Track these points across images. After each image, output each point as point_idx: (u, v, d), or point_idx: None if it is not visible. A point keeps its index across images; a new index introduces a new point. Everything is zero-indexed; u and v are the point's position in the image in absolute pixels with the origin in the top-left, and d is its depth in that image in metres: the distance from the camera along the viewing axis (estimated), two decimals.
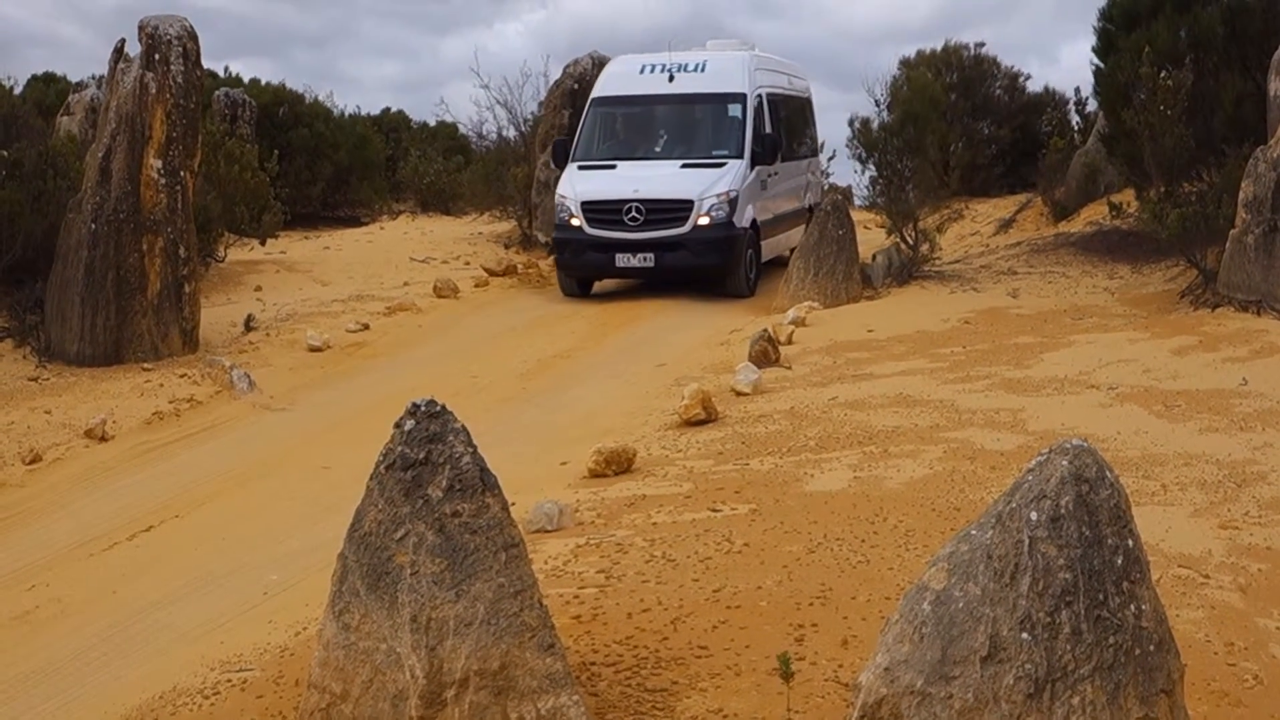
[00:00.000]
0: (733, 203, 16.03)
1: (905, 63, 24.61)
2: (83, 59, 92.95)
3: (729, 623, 5.00)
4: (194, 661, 5.83)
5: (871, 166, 17.05)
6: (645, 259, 15.93)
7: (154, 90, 12.97)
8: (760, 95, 17.53)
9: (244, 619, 6.51)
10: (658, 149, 17.44)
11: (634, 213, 15.90)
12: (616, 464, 7.82)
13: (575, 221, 16.15)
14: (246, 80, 28.35)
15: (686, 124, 17.62)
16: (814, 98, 21.79)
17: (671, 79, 17.45)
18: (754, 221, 16.58)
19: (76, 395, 11.69)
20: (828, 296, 14.93)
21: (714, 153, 16.88)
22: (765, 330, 11.48)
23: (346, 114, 30.75)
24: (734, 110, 17.20)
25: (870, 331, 12.57)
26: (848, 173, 52.97)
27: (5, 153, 15.19)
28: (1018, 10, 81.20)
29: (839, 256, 15.39)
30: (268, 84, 28.18)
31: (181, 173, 13.29)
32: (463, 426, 4.34)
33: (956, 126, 23.57)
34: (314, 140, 26.64)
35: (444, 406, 4.33)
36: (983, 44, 26.80)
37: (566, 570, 5.89)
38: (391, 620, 4.22)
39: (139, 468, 10.08)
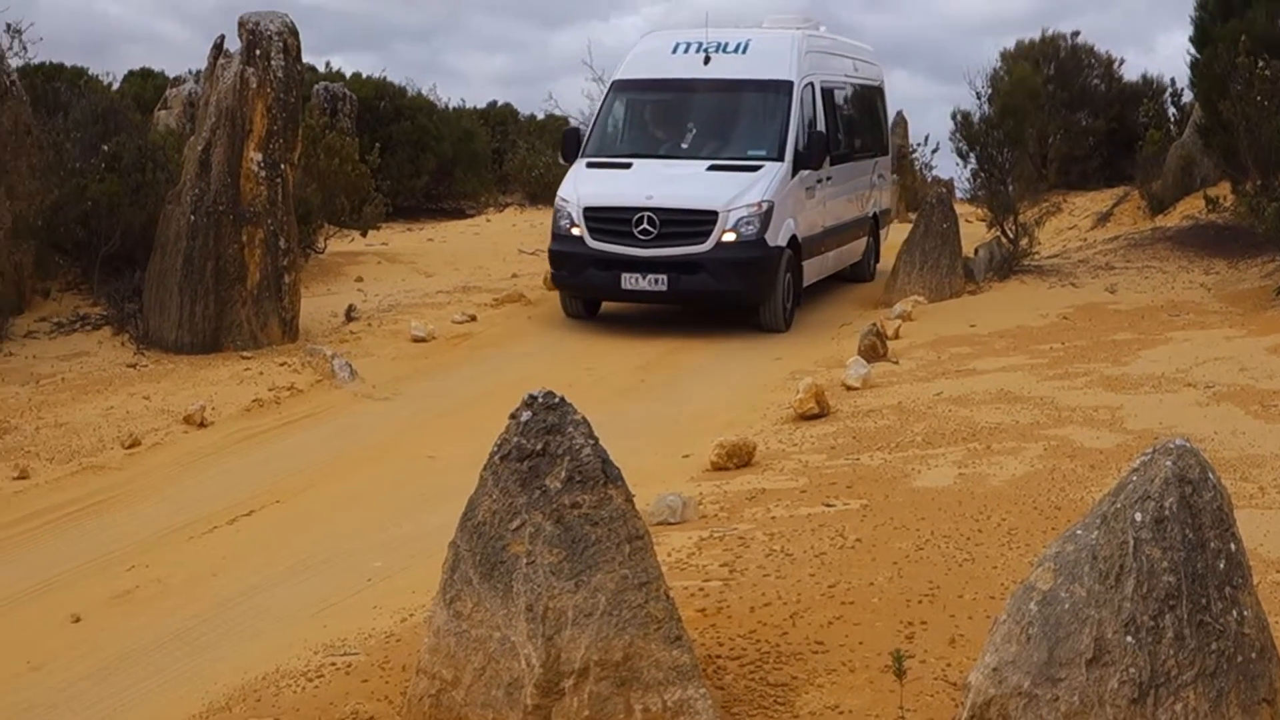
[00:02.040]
0: (766, 215, 13.77)
1: (1005, 54, 25.45)
2: (180, 55, 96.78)
3: (843, 618, 5.26)
4: (296, 644, 6.12)
5: (973, 160, 17.82)
6: (656, 281, 13.65)
7: (254, 85, 13.69)
8: (811, 83, 15.49)
9: (347, 604, 6.78)
10: (684, 145, 15.24)
11: (645, 224, 13.66)
12: (737, 457, 8.35)
13: (576, 231, 13.98)
14: (348, 75, 29.30)
15: (720, 116, 15.39)
16: (887, 86, 20.11)
17: (707, 60, 15.32)
18: (794, 238, 14.36)
19: (175, 382, 12.13)
20: (932, 291, 15.73)
21: (749, 152, 14.72)
22: (874, 325, 12.43)
23: (451, 107, 31.72)
24: (777, 101, 14.97)
25: (972, 326, 13.35)
26: (950, 165, 53.89)
27: (105, 146, 16.20)
28: (1115, 0, 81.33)
29: (943, 250, 16.18)
30: (369, 78, 29.10)
31: (281, 165, 13.94)
32: (583, 418, 4.54)
33: (1054, 118, 24.48)
34: (417, 133, 27.53)
35: (562, 398, 4.54)
36: (1078, 33, 27.37)
37: (691, 563, 6.16)
38: (506, 609, 4.44)
39: (238, 453, 10.41)
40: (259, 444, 10.67)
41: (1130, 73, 27.96)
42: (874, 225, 18.41)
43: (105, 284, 14.82)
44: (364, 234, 20.27)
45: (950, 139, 18.01)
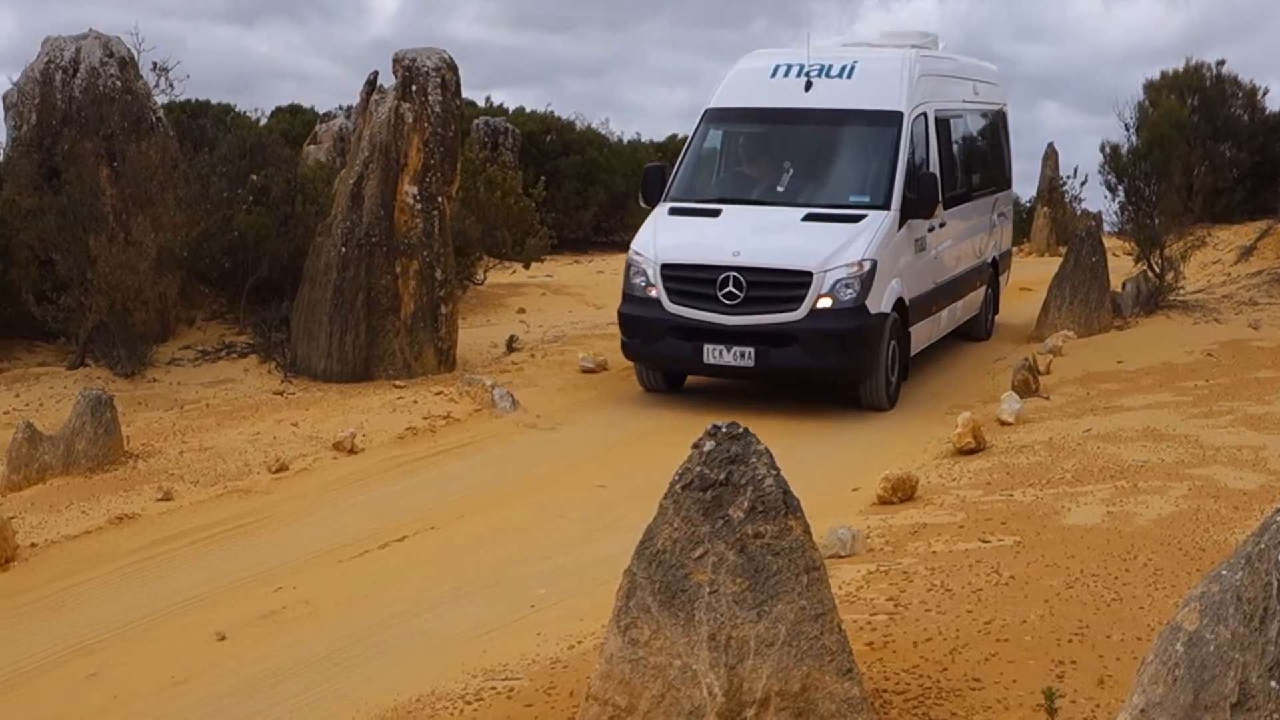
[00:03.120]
0: (868, 277, 12.30)
1: (1149, 85, 25.88)
2: (327, 91, 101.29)
3: (998, 656, 5.61)
4: (454, 668, 6.33)
5: (1120, 192, 18.23)
6: (743, 355, 12.23)
7: (410, 120, 14.34)
8: (925, 113, 14.00)
9: (508, 630, 7.00)
10: (780, 188, 13.64)
11: (731, 286, 12.27)
12: (901, 491, 9.04)
13: (653, 292, 12.61)
14: (510, 109, 30.28)
15: (820, 152, 13.91)
16: (1011, 110, 18.79)
17: (809, 86, 13.82)
18: (900, 301, 12.88)
19: (324, 409, 12.45)
20: (1081, 325, 16.29)
21: (850, 198, 13.20)
22: (1027, 360, 13.20)
23: (625, 140, 32.74)
24: (884, 135, 13.46)
25: (1120, 363, 13.93)
26: (1098, 199, 54.18)
27: (253, 177, 17.02)
28: (1262, 27, 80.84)
29: (1092, 284, 16.57)
30: (533, 112, 30.17)
31: (438, 198, 14.51)
32: (766, 449, 4.82)
33: (1198, 150, 24.61)
34: (585, 166, 28.65)
35: (746, 429, 4.83)
36: (1223, 62, 27.25)
37: (859, 596, 6.55)
38: (687, 637, 4.67)
39: (391, 480, 10.61)
40: (412, 471, 10.86)
41: (1274, 103, 27.71)
42: (993, 274, 17.00)
43: (251, 313, 15.45)
44: (526, 266, 20.89)
45: (1099, 171, 18.54)
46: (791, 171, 13.76)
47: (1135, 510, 8.21)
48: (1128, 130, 18.89)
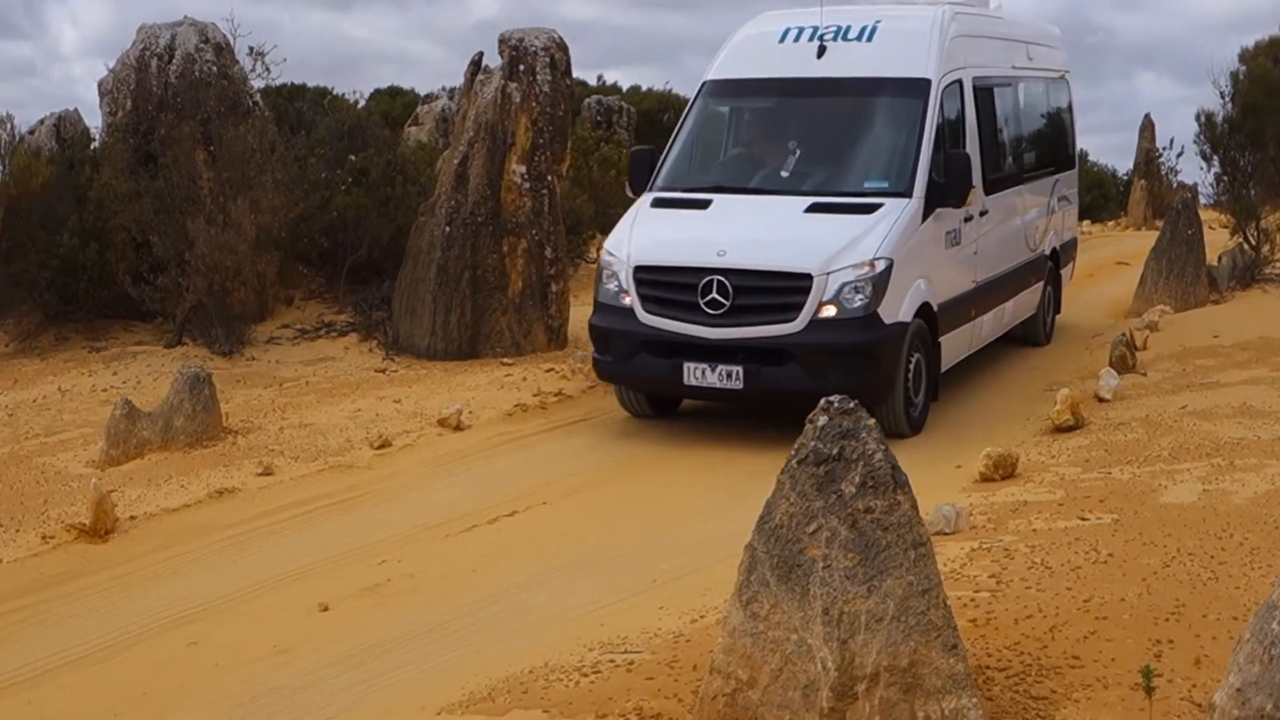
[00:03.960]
0: (881, 279, 10.67)
1: (1243, 53, 25.32)
2: (429, 74, 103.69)
3: (1097, 634, 5.78)
4: (569, 641, 6.46)
5: (1215, 163, 18.11)
6: (729, 375, 10.64)
7: (518, 99, 14.77)
8: (959, 81, 12.35)
9: (628, 604, 7.18)
10: (784, 173, 11.97)
11: (715, 292, 10.64)
12: (1003, 469, 9.24)
13: (626, 300, 11.07)
14: (625, 88, 30.41)
15: (832, 130, 12.28)
16: (1071, 85, 16.78)
17: (822, 52, 12.18)
18: (925, 307, 11.27)
19: (428, 387, 12.68)
20: (1177, 299, 16.29)
21: (865, 184, 11.64)
22: (1124, 335, 13.08)
23: None
24: (907, 108, 11.86)
25: (1215, 337, 13.79)
26: (1194, 170, 53.29)
27: (352, 158, 17.55)
28: None
29: (1188, 258, 16.52)
30: (649, 90, 30.25)
31: (548, 177, 14.89)
32: (874, 423, 5.02)
33: None
34: None
35: (856, 404, 5.04)
36: None
37: (962, 573, 6.75)
38: (803, 612, 4.87)
39: (498, 456, 10.73)
40: (522, 447, 10.97)
41: None
42: (1052, 268, 15.27)
43: (351, 293, 15.93)
44: None
45: (1194, 142, 18.43)
46: (798, 154, 12.04)
47: (1231, 488, 8.28)
48: (1223, 99, 18.76)
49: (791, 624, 4.89)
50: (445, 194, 14.84)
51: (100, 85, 17.68)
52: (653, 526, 8.80)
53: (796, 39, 12.39)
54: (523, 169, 14.70)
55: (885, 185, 11.46)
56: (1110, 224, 32.48)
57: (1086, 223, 32.71)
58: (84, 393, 13.17)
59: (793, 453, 5.00)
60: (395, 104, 29.01)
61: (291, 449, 10.83)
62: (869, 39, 12.19)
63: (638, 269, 11.03)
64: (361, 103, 26.99)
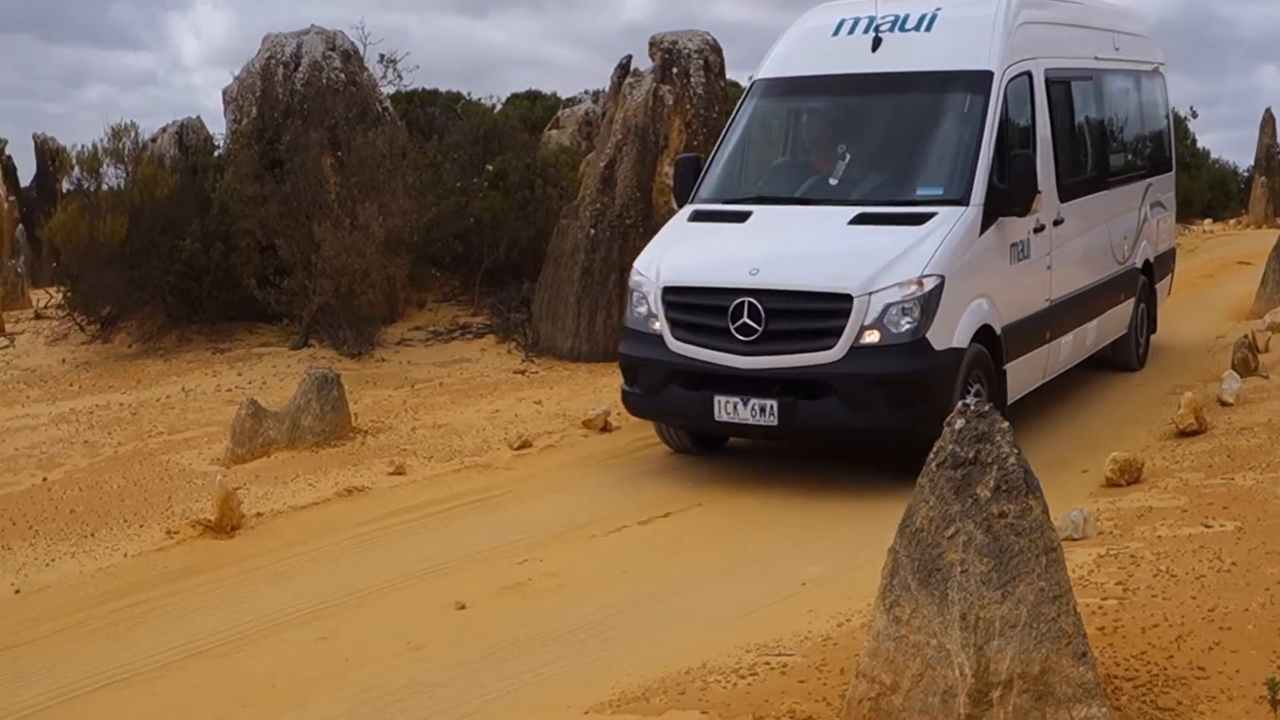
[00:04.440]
0: (931, 299, 9.86)
1: None
2: (568, 77, 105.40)
3: (1221, 644, 5.90)
4: (725, 642, 6.62)
5: None
6: (762, 410, 9.90)
7: (670, 102, 15.19)
8: (1029, 74, 11.58)
9: (780, 607, 7.34)
10: (832, 180, 11.29)
11: (746, 316, 9.93)
12: (1128, 474, 9.44)
13: (655, 325, 10.38)
14: None
15: (885, 131, 11.70)
16: (1166, 79, 15.80)
17: (877, 45, 11.51)
18: (985, 330, 10.41)
19: (570, 388, 12.82)
20: None
21: (918, 191, 10.90)
22: (1246, 337, 13.03)
23: None
24: (966, 105, 11.13)
25: None
26: None
27: (488, 165, 18.03)
28: None
29: None
30: None
31: None
32: (1008, 426, 5.24)
33: None
34: None
35: (991, 406, 5.29)
36: None
37: (1090, 580, 6.94)
38: (942, 616, 5.09)
39: (649, 459, 10.81)
40: (674, 451, 10.99)
41: None
42: (1145, 282, 14.30)
43: (487, 295, 16.30)
44: None
45: None
46: (848, 159, 11.37)
47: None
48: None
49: (931, 629, 5.09)
50: (590, 197, 15.17)
51: (224, 93, 18.59)
52: (802, 529, 8.93)
53: (851, 31, 11.69)
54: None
55: (939, 192, 10.65)
56: (1231, 222, 32.34)
57: (1208, 221, 32.47)
58: (208, 392, 13.48)
59: (932, 455, 5.23)
60: (535, 108, 29.47)
61: (425, 449, 10.94)
62: (927, 28, 11.46)
63: (666, 290, 10.32)
64: (498, 107, 27.41)
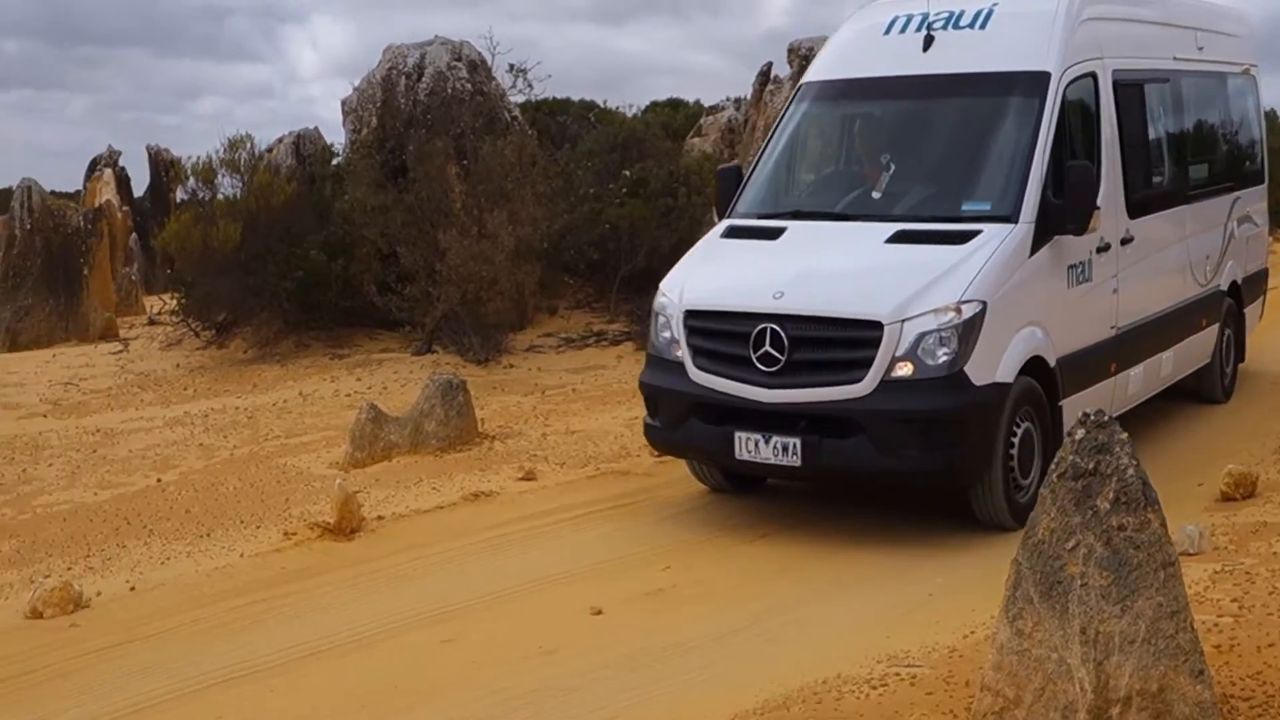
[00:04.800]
0: (970, 328, 9.18)
1: None
2: (709, 85, 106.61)
3: None
4: (858, 652, 6.80)
5: None
6: (784, 449, 9.25)
7: None
8: (1094, 74, 10.88)
9: (908, 618, 7.49)
10: (875, 194, 10.68)
11: (768, 344, 9.30)
12: (1243, 488, 9.45)
13: (678, 352, 9.84)
14: None
15: (933, 139, 11.11)
16: (1259, 81, 14.94)
17: (929, 44, 10.93)
18: (1037, 363, 9.72)
19: None
20: None
21: (964, 207, 10.22)
22: None
23: None
24: (1020, 110, 10.51)
25: None
26: None
27: (626, 172, 18.29)
28: None
29: None
30: None
31: None
32: (1128, 437, 5.25)
33: None
34: None
35: (1111, 417, 5.30)
36: None
37: (1206, 596, 6.93)
38: (1063, 630, 5.17)
39: None
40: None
41: None
42: (1231, 305, 13.51)
43: (625, 302, 16.49)
44: None
45: None
46: (892, 170, 10.68)
47: None
48: None
49: (1053, 642, 5.17)
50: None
51: (344, 104, 19.22)
52: (926, 541, 9.00)
53: (903, 30, 11.06)
54: None
55: (986, 208, 9.96)
56: None
57: None
58: (325, 397, 13.66)
59: (1053, 466, 5.31)
60: (676, 115, 29.79)
61: (557, 455, 10.99)
62: (982, 25, 10.82)
63: (688, 314, 9.75)
64: (637, 115, 27.66)
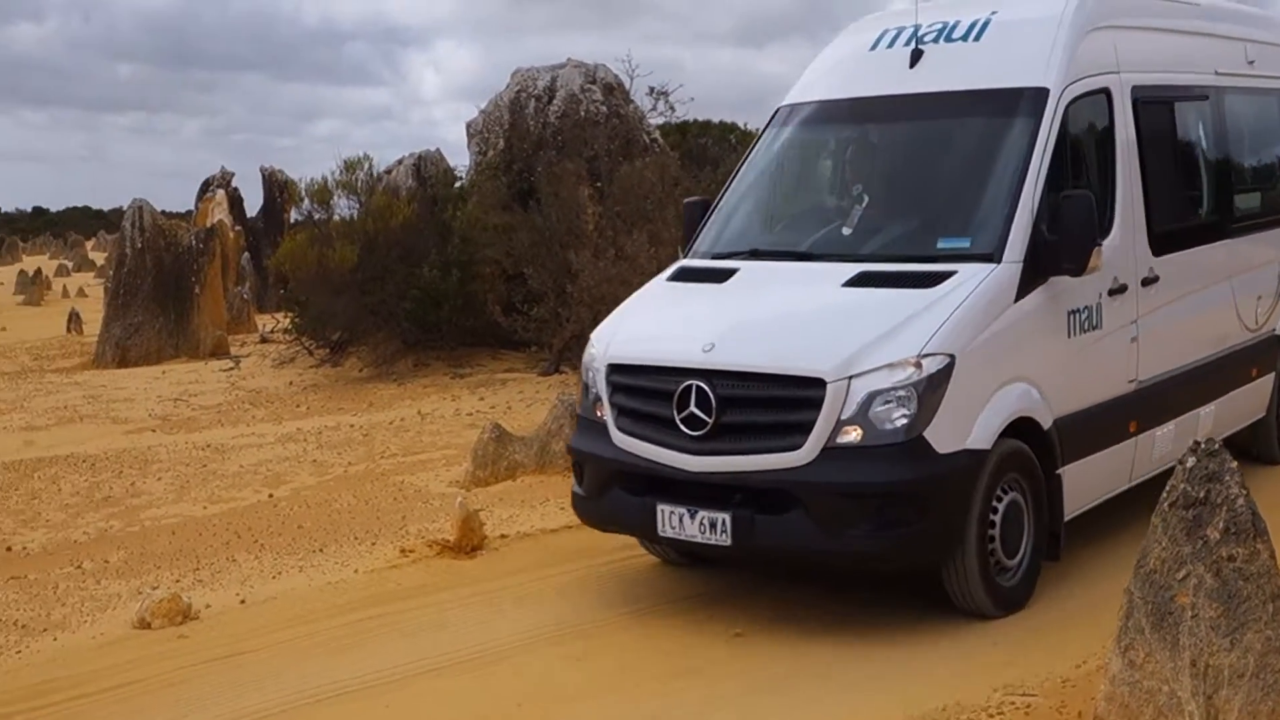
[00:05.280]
0: (932, 386, 8.03)
1: None
2: None
3: None
4: (975, 680, 7.00)
5: None
6: (713, 525, 8.13)
7: None
8: (1105, 91, 9.80)
9: (1023, 647, 7.55)
10: (846, 230, 9.64)
11: (694, 404, 8.26)
12: None
13: (600, 413, 8.90)
14: None
15: (913, 166, 10.21)
16: None
17: (916, 59, 10.01)
18: (1026, 425, 8.54)
19: None
20: None
21: (940, 243, 9.14)
22: None
23: None
24: (1010, 133, 9.43)
25: None
26: None
27: None
28: None
29: None
30: None
31: None
32: (1237, 466, 5.41)
33: None
34: None
35: (1221, 445, 5.44)
36: None
37: None
38: (1173, 662, 5.30)
39: None
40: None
41: None
42: None
43: None
44: None
45: None
46: (866, 201, 9.75)
47: None
48: None
49: (1163, 674, 5.30)
50: None
51: (469, 126, 19.87)
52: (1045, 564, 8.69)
53: (891, 44, 10.17)
54: None
55: (965, 245, 8.90)
56: None
57: None
58: (445, 416, 13.80)
59: (1164, 495, 5.45)
60: None
61: None
62: (977, 37, 9.88)
63: (611, 369, 8.83)
64: None
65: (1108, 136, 9.74)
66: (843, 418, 7.91)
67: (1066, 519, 8.77)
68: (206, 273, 23.58)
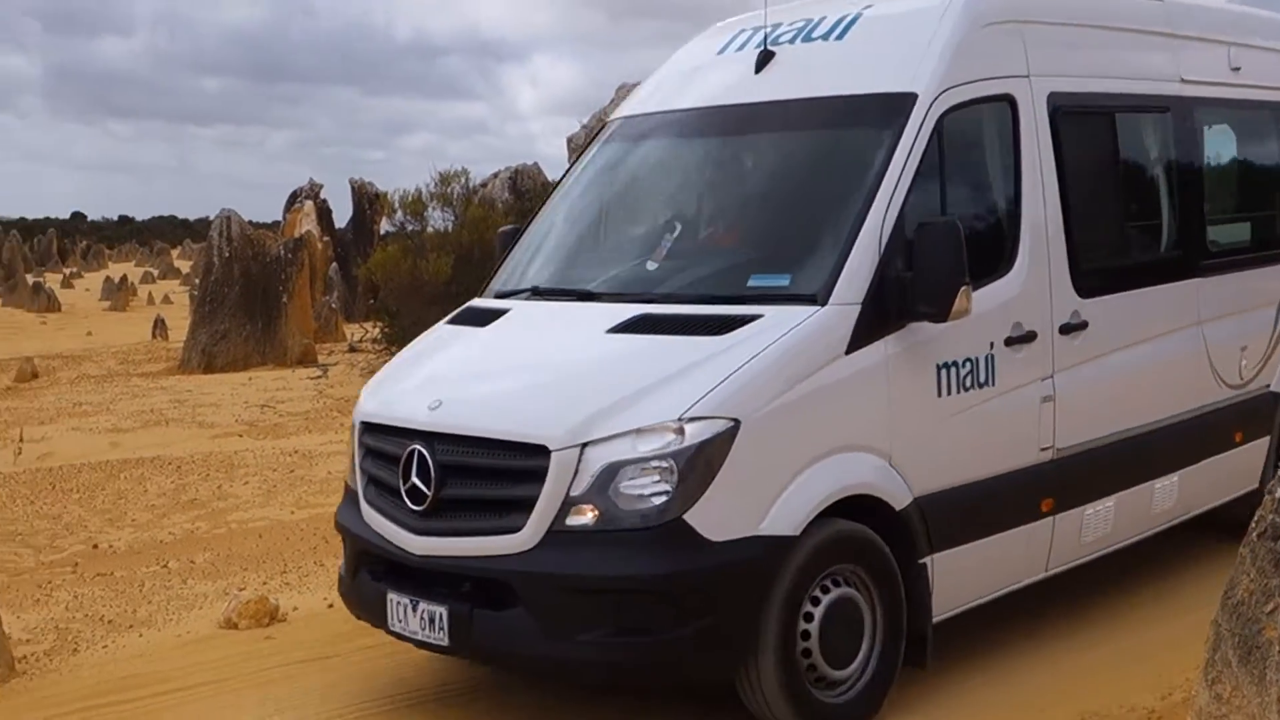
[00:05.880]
0: (701, 456, 6.47)
1: None
2: None
3: None
4: (1060, 708, 7.00)
5: None
6: (431, 619, 6.82)
7: None
8: (1007, 100, 8.17)
9: (1109, 673, 7.50)
10: (651, 264, 8.19)
11: (415, 474, 6.98)
12: None
13: (353, 479, 7.78)
14: None
15: (739, 190, 8.80)
16: None
17: (764, 62, 8.54)
18: (864, 502, 6.98)
19: None
20: None
21: (750, 281, 7.54)
22: None
23: None
24: (861, 147, 7.90)
25: None
26: None
27: None
28: None
29: None
30: None
31: None
32: None
33: None
34: None
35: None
36: None
37: None
38: (1260, 698, 5.05)
39: None
40: None
41: None
42: None
43: None
44: None
45: None
46: (677, 230, 8.39)
47: None
48: None
49: (1250, 710, 5.11)
50: None
51: (569, 141, 20.19)
52: (1130, 595, 8.77)
53: (741, 47, 8.85)
54: None
55: (783, 283, 7.40)
56: None
57: None
58: None
59: (1253, 525, 5.28)
60: None
61: None
62: (840, 35, 8.40)
63: (363, 427, 7.64)
64: None
65: (1010, 152, 8.22)
66: (573, 494, 6.51)
67: (939, 618, 7.29)
68: (295, 282, 23.75)
